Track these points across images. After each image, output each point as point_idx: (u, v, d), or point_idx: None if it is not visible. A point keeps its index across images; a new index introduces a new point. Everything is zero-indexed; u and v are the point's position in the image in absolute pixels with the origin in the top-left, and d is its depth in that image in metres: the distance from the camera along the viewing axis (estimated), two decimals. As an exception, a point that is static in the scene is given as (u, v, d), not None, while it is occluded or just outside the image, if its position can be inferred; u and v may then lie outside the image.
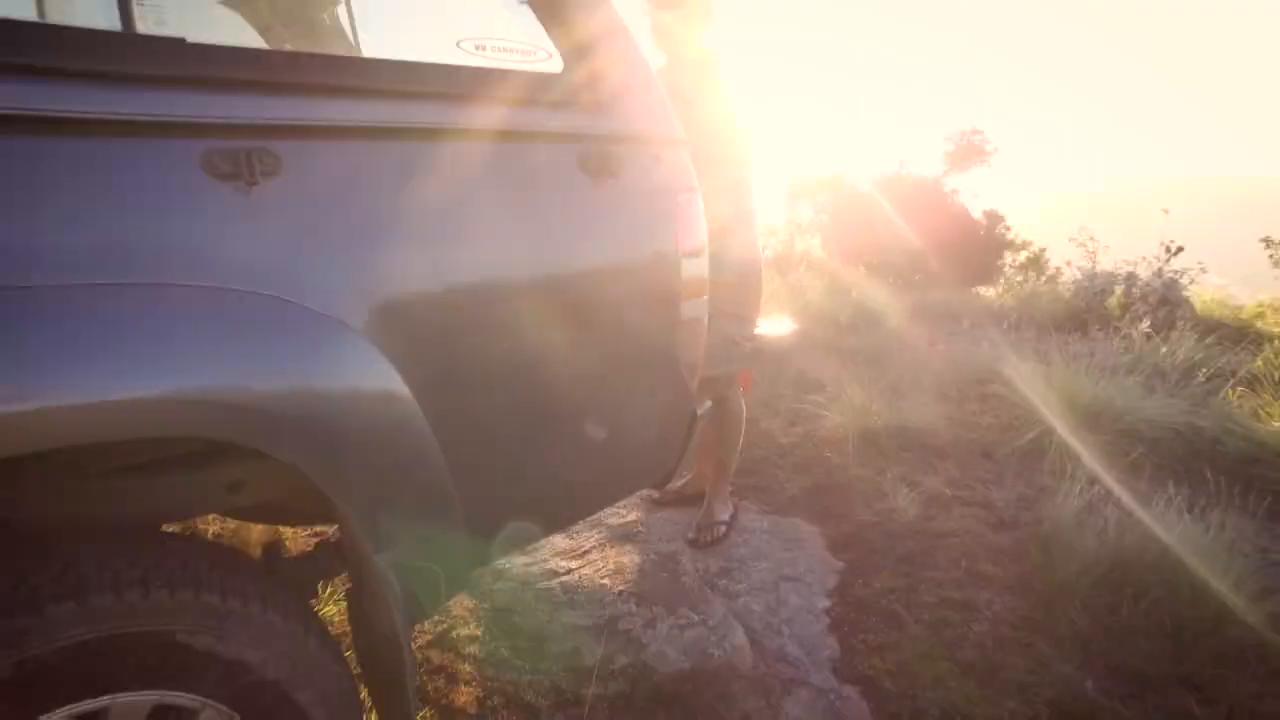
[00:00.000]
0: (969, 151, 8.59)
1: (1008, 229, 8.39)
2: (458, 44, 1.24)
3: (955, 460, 2.89)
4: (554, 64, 1.33)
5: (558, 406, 1.35)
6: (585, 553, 2.41)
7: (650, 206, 1.43)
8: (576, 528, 2.56)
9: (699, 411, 1.68)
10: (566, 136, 1.32)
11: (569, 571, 2.29)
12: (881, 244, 8.02)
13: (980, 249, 8.16)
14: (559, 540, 2.48)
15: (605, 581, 2.23)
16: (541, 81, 1.31)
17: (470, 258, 1.17)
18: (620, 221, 1.39)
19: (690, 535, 2.46)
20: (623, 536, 2.50)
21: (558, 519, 1.61)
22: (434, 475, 1.14)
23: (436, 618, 2.07)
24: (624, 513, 2.67)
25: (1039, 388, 3.12)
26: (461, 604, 2.14)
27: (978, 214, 8.38)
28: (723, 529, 2.46)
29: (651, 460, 1.62)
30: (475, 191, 1.19)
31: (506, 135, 1.23)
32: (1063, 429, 2.83)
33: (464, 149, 1.20)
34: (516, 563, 2.34)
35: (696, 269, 1.51)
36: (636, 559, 2.36)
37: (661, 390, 1.54)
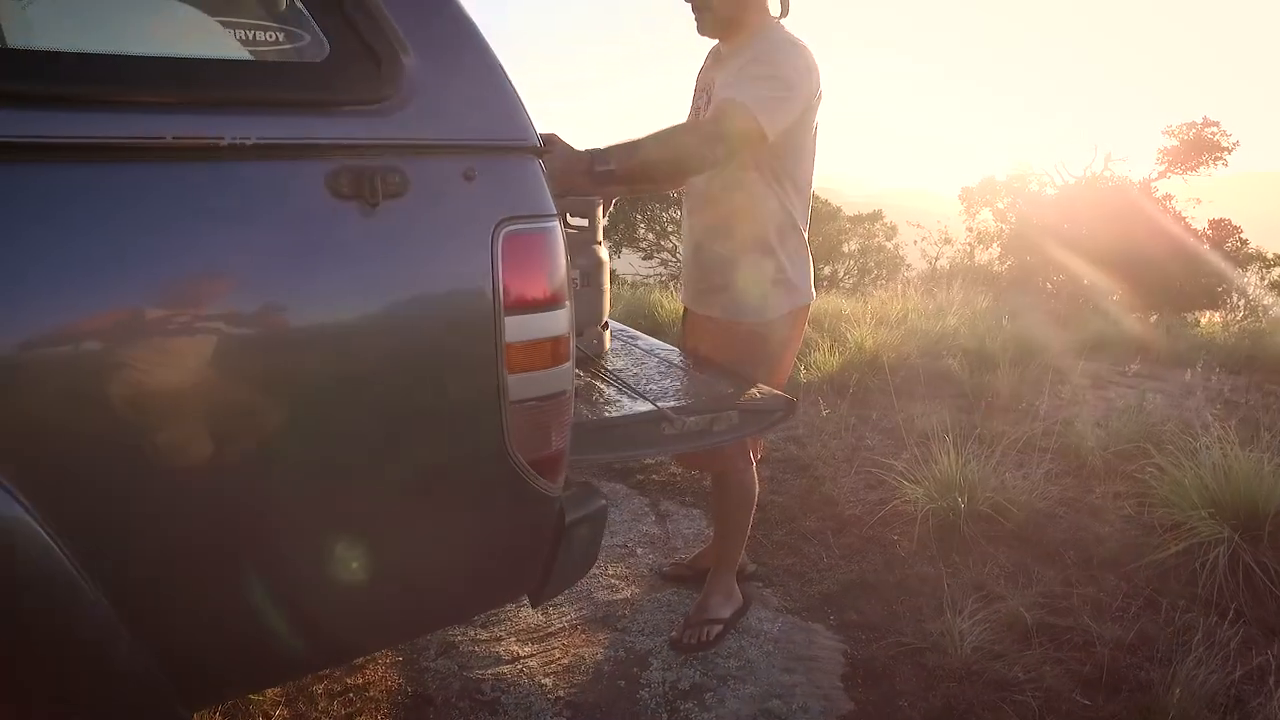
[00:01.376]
0: (1197, 147, 6.98)
1: (1243, 242, 6.73)
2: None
3: (1061, 568, 2.14)
4: (314, 50, 0.98)
5: (327, 516, 1.01)
6: (549, 635, 2.04)
7: (451, 243, 1.04)
8: (557, 600, 2.19)
9: (579, 513, 1.25)
10: (314, 149, 0.96)
11: (516, 660, 1.93)
12: (1071, 259, 6.77)
13: (1201, 267, 6.61)
14: (531, 615, 2.13)
15: (547, 682, 1.84)
16: (285, 75, 0.96)
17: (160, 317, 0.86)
18: (396, 266, 1.01)
19: (674, 633, 2.00)
20: (602, 619, 2.10)
21: (360, 647, 1.26)
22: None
23: (349, 689, 1.81)
24: (620, 587, 2.26)
25: (1219, 475, 2.25)
26: (386, 680, 1.86)
27: (1201, 223, 6.80)
28: (716, 630, 1.97)
29: (497, 574, 1.22)
30: (165, 232, 0.87)
31: (210, 152, 0.90)
32: (1240, 544, 2.00)
33: (144, 173, 0.88)
34: (471, 636, 2.02)
35: (535, 329, 1.09)
36: (601, 654, 1.95)
37: (490, 491, 1.13)
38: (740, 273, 1.77)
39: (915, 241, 9.59)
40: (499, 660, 1.93)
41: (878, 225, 12.05)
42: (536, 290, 1.09)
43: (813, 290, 1.85)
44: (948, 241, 8.87)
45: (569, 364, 1.16)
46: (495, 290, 1.05)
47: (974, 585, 2.07)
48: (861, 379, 3.77)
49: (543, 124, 1.21)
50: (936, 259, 8.56)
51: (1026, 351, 4.31)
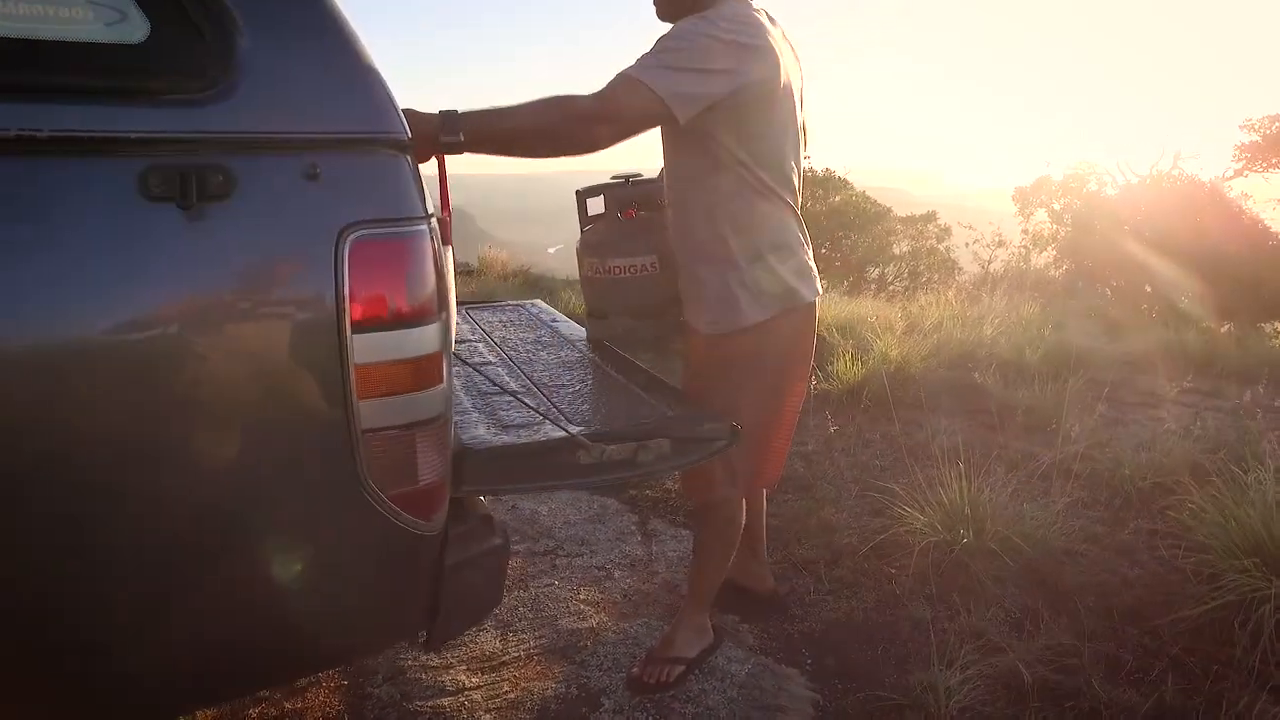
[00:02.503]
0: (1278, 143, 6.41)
1: (1330, 247, 6.17)
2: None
3: (1075, 617, 1.90)
4: (128, 29, 0.87)
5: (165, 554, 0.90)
6: (503, 664, 1.90)
7: (286, 252, 0.91)
8: (519, 623, 2.06)
9: (466, 553, 1.11)
10: (122, 144, 0.84)
11: (461, 691, 1.80)
12: (1134, 263, 6.31)
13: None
14: (489, 640, 2.00)
15: (487, 719, 1.71)
16: (89, 58, 0.85)
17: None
18: (221, 278, 0.88)
19: (634, 668, 1.84)
20: (561, 650, 1.95)
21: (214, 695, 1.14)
22: None
23: (285, 714, 1.72)
24: (588, 614, 2.11)
25: (1270, 518, 1.97)
26: (325, 705, 1.76)
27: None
28: (678, 670, 1.81)
29: (365, 618, 1.09)
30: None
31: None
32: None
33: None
34: (422, 661, 1.91)
35: (392, 348, 0.95)
36: (551, 690, 1.80)
37: (345, 530, 1.00)
38: (704, 276, 1.60)
39: (966, 244, 9.15)
40: (443, 690, 1.81)
41: (931, 227, 11.58)
42: (394, 305, 0.95)
43: (808, 292, 1.62)
44: (1001, 244, 8.42)
45: (441, 386, 1.02)
46: (339, 306, 0.91)
47: (972, 632, 1.85)
48: (881, 391, 3.52)
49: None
50: (989, 262, 8.14)
51: (1070, 363, 3.98)
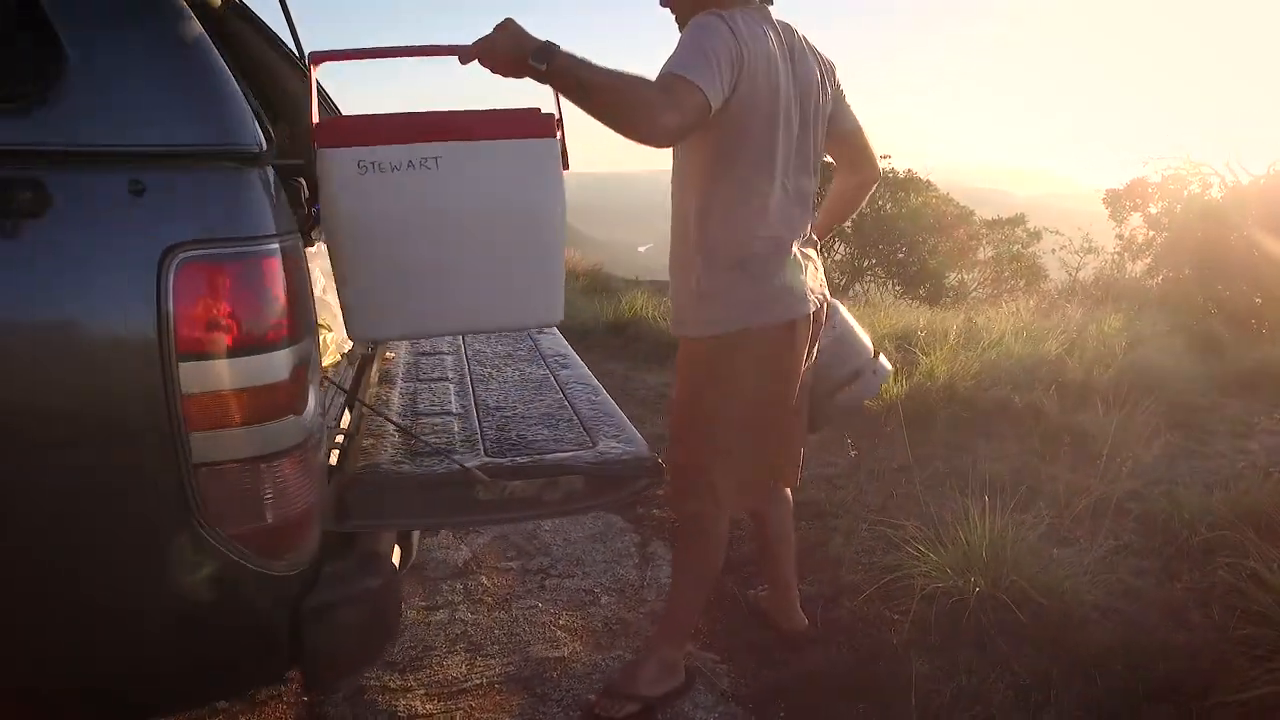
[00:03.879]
0: None
1: None
2: None
3: (1095, 688, 1.65)
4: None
5: None
6: (462, 692, 1.83)
7: (105, 273, 0.85)
8: (491, 647, 1.99)
9: (332, 595, 1.03)
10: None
11: (414, 717, 1.74)
12: (1242, 272, 5.69)
13: None
14: (456, 662, 1.93)
15: (428, 757, 1.64)
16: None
17: None
18: (33, 300, 0.83)
19: (594, 696, 1.73)
20: (526, 680, 1.86)
21: None
22: None
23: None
24: (563, 640, 2.02)
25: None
26: (283, 718, 1.74)
27: None
28: (631, 709, 1.68)
29: (216, 663, 1.02)
30: None
31: None
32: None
33: None
34: (384, 681, 1.86)
35: (226, 377, 0.88)
36: (504, 725, 1.71)
37: (182, 569, 0.93)
38: (675, 277, 1.60)
39: (1054, 250, 8.51)
40: (395, 715, 1.74)
41: (1019, 230, 10.91)
42: (230, 330, 0.87)
43: (783, 311, 1.53)
44: (1090, 250, 7.79)
45: (297, 416, 0.94)
46: (164, 331, 0.84)
47: (971, 696, 1.64)
48: (925, 411, 3.27)
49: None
50: (1077, 270, 7.54)
51: (1147, 385, 3.60)
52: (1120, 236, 7.66)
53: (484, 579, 2.36)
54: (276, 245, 0.91)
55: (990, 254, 10.04)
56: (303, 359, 0.96)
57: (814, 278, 1.60)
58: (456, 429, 1.34)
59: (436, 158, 1.08)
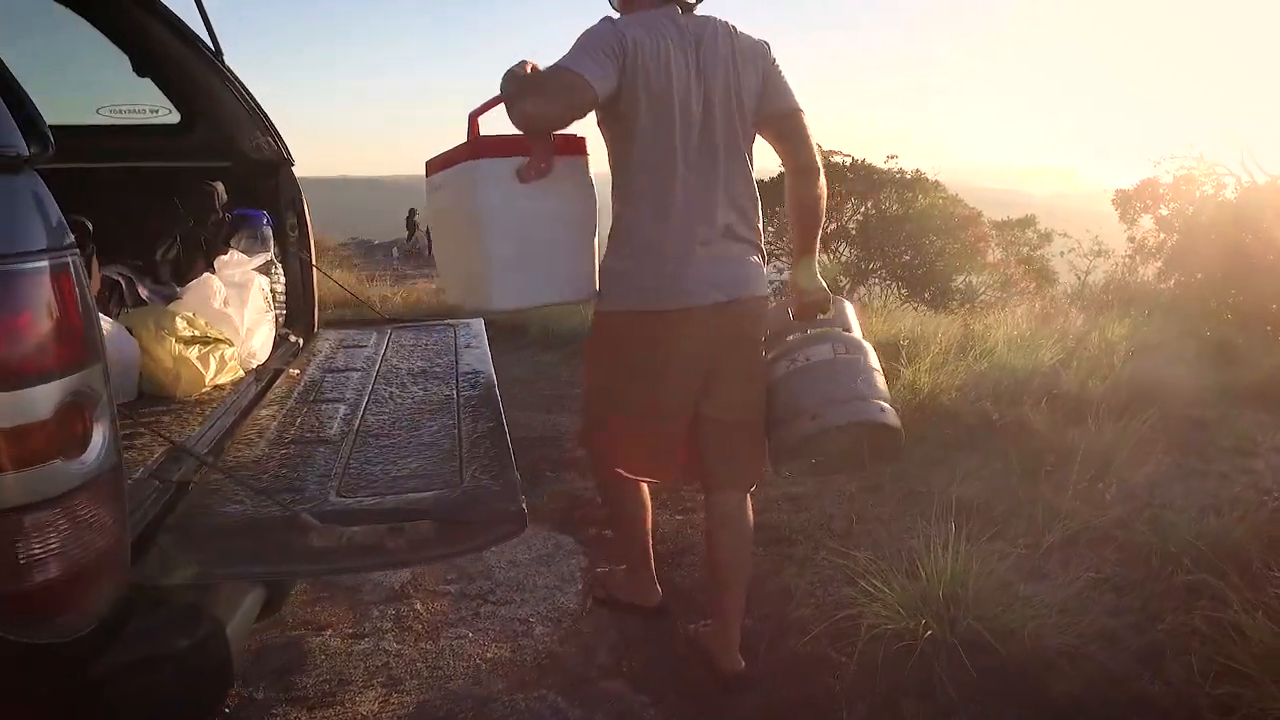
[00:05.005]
0: None
1: None
2: None
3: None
4: None
5: None
6: (366, 735, 1.69)
7: None
8: (410, 681, 1.85)
9: (127, 657, 0.90)
10: None
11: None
12: (1258, 276, 5.44)
13: None
14: (369, 698, 1.80)
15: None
16: None
17: None
18: None
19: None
20: (439, 721, 1.72)
21: None
22: None
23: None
24: (487, 678, 1.87)
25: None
26: None
27: None
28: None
29: None
30: None
31: None
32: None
33: None
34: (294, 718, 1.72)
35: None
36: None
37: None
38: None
39: (1062, 254, 8.22)
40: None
41: (1028, 233, 10.63)
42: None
43: (652, 301, 1.59)
44: (1100, 253, 7.53)
45: (64, 462, 0.80)
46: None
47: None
48: (908, 426, 3.08)
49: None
50: (1086, 273, 7.28)
51: (1148, 397, 3.39)
52: (1131, 239, 7.40)
53: (418, 604, 2.23)
54: (41, 263, 0.78)
55: (998, 256, 9.78)
56: (78, 394, 0.82)
57: (721, 271, 1.61)
58: (319, 461, 1.20)
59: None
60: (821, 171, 1.68)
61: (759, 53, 1.61)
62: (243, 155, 2.09)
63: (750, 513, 1.78)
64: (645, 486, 1.89)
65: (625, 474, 1.79)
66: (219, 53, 1.97)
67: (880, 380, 1.71)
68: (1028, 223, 10.64)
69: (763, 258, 1.70)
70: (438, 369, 1.78)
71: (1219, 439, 3.32)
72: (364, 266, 12.87)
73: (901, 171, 11.31)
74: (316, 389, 1.61)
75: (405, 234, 22.33)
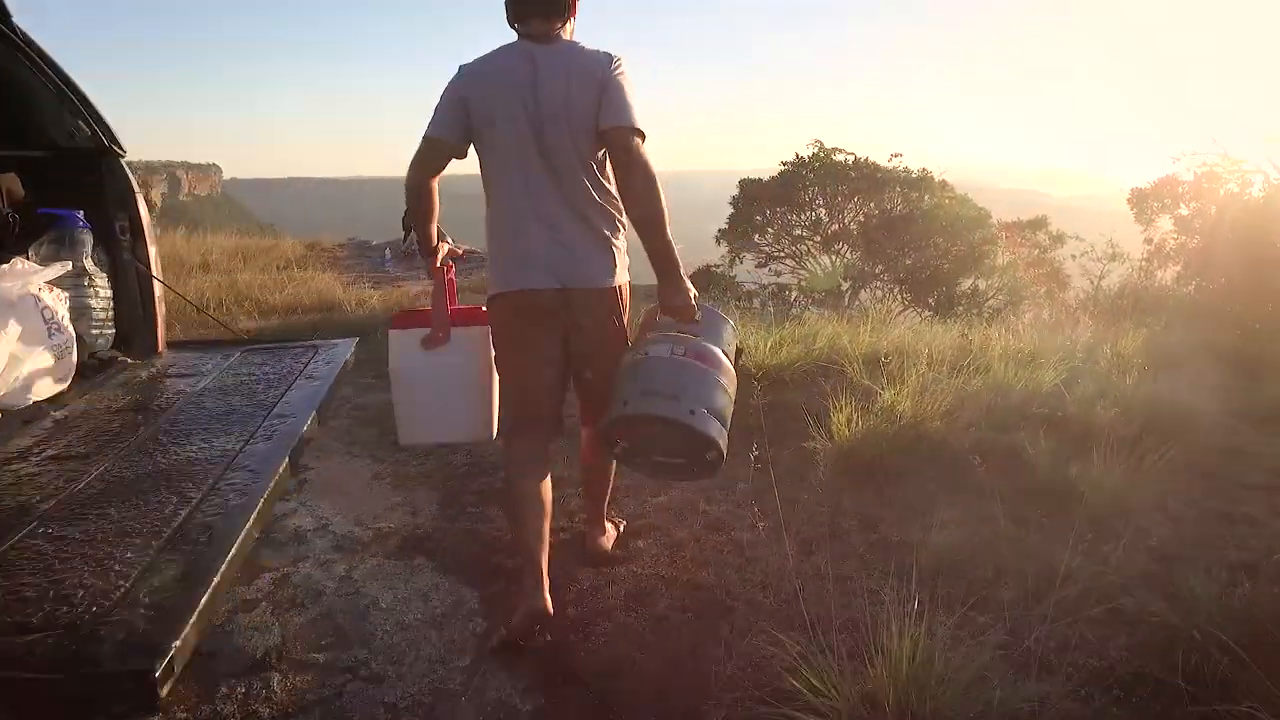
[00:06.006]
0: None
1: None
2: None
3: None
4: None
5: None
6: None
7: None
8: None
9: None
10: None
11: None
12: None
13: None
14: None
15: None
16: None
17: None
18: None
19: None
20: None
21: None
22: None
23: None
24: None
25: None
26: None
27: None
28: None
29: None
30: None
31: None
32: None
33: None
34: None
35: None
36: None
37: None
38: None
39: (1074, 257, 7.74)
40: None
41: (1040, 234, 10.14)
42: None
43: (504, 284, 1.92)
44: (1115, 257, 7.06)
45: None
46: None
47: None
48: (878, 459, 2.67)
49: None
50: (1100, 278, 6.81)
51: (1166, 421, 2.96)
52: (1148, 241, 6.92)
53: (276, 678, 1.85)
54: None
55: (1007, 259, 9.29)
56: None
57: (561, 266, 1.86)
58: None
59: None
60: (651, 189, 1.78)
61: (598, 72, 1.79)
62: (51, 143, 1.72)
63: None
64: (546, 490, 1.98)
65: (515, 438, 2.03)
66: (6, 16, 1.60)
67: (718, 395, 1.79)
68: (1039, 224, 10.15)
69: (612, 256, 1.91)
70: (246, 409, 1.40)
71: (1247, 474, 2.88)
72: (353, 267, 12.56)
73: (907, 170, 10.86)
74: (72, 434, 1.23)
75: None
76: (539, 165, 1.81)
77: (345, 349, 1.82)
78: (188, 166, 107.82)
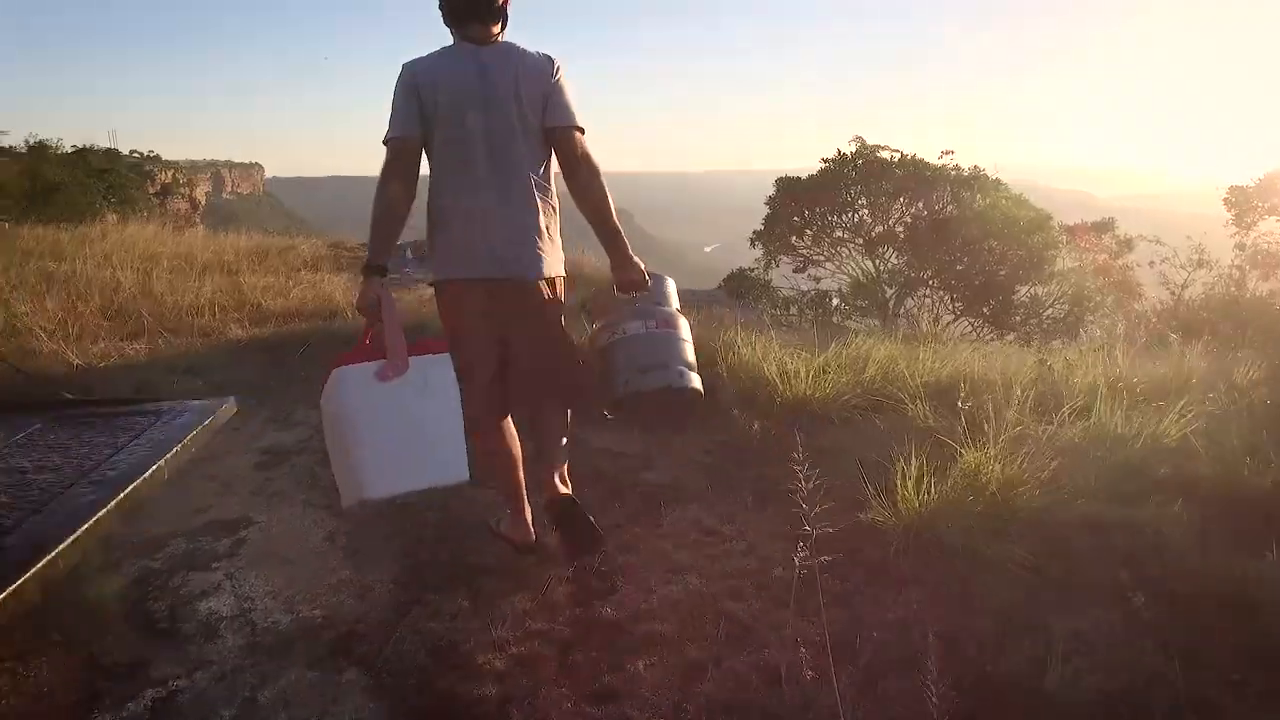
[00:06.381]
0: None
1: None
2: None
3: None
4: None
5: None
6: None
7: None
8: None
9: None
10: None
11: None
12: None
13: None
14: None
15: None
16: None
17: None
18: None
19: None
20: None
21: None
22: None
23: None
24: None
25: None
26: None
27: None
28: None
29: None
30: None
31: None
32: None
33: None
34: None
35: None
36: None
37: None
38: None
39: (1153, 263, 6.91)
40: None
41: (1106, 238, 9.27)
42: None
43: (445, 272, 1.99)
44: (1201, 264, 6.25)
45: None
46: None
47: None
48: (962, 544, 2.02)
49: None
50: (1183, 287, 6.01)
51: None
52: (1240, 246, 6.09)
53: None
54: None
55: (1070, 264, 8.45)
56: None
57: (503, 257, 1.93)
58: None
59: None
60: (596, 180, 1.93)
61: (543, 74, 1.93)
62: None
63: (566, 421, 2.18)
64: (512, 444, 2.13)
65: (487, 415, 2.08)
66: None
67: (687, 350, 2.01)
68: (1104, 227, 9.28)
69: (553, 247, 2.00)
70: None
71: None
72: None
73: (957, 168, 10.07)
74: None
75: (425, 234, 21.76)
76: (487, 159, 1.90)
77: (200, 417, 1.25)
78: (231, 165, 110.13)
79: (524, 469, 2.15)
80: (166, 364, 4.65)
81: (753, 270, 11.00)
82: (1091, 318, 8.35)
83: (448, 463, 1.83)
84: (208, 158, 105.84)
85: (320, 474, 2.97)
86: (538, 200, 1.93)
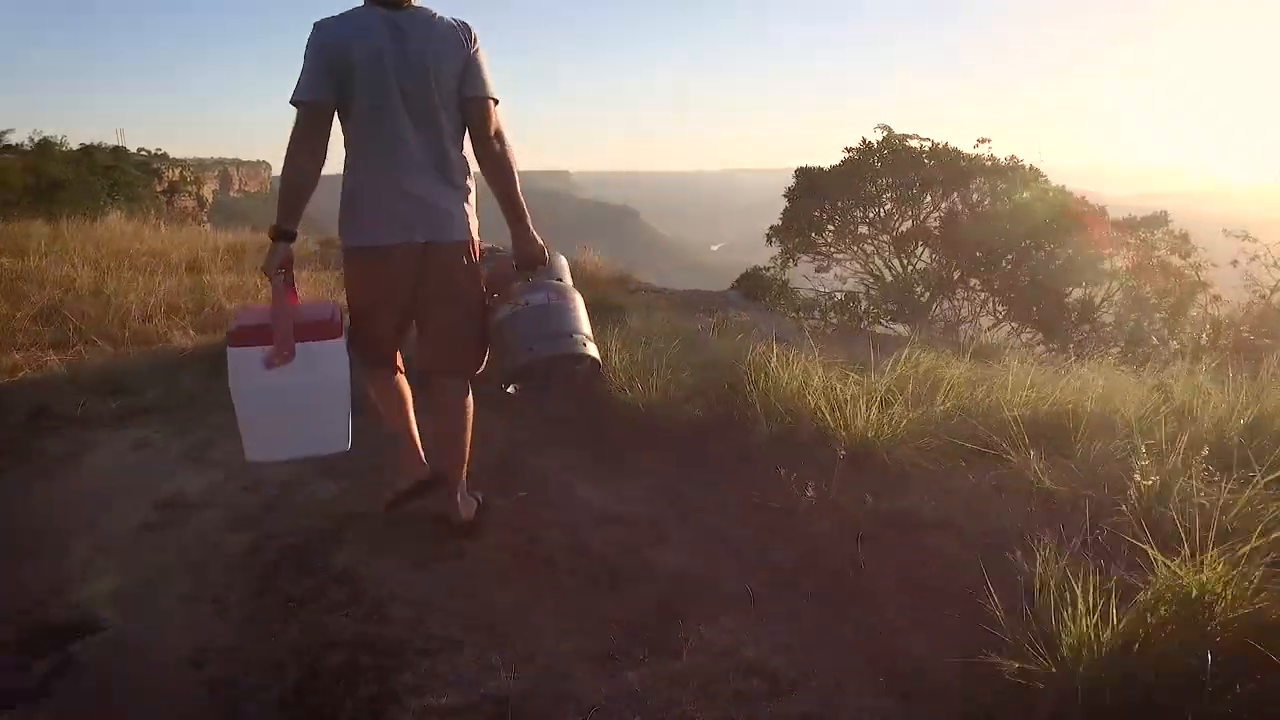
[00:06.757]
0: None
1: None
2: None
3: None
4: None
5: None
6: None
7: None
8: None
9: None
10: None
11: None
12: None
13: None
14: None
15: None
16: None
17: None
18: None
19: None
20: None
21: None
22: None
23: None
24: None
25: None
26: None
27: None
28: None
29: None
30: None
31: None
32: None
33: None
34: None
35: None
36: None
37: None
38: None
39: (1234, 263, 6.08)
40: None
41: (1158, 234, 8.41)
42: None
43: (354, 239, 2.00)
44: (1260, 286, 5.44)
45: None
46: None
47: None
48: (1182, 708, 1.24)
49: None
50: (1272, 290, 5.20)
51: None
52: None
53: None
54: None
55: (1126, 262, 7.63)
56: None
57: (415, 220, 1.96)
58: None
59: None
60: (505, 153, 2.00)
61: (458, 40, 1.94)
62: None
63: (468, 394, 2.15)
64: (401, 385, 2.20)
65: (372, 361, 2.14)
66: None
67: (583, 320, 2.06)
68: (1157, 221, 8.43)
69: (465, 212, 2.03)
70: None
71: None
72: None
73: (993, 158, 9.25)
74: None
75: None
76: (402, 123, 1.91)
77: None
78: (238, 164, 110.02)
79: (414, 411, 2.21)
80: (90, 377, 3.90)
81: (768, 269, 10.20)
82: (1148, 321, 7.53)
83: (329, 437, 1.99)
84: (215, 156, 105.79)
85: (226, 542, 2.22)
86: (452, 162, 1.97)
